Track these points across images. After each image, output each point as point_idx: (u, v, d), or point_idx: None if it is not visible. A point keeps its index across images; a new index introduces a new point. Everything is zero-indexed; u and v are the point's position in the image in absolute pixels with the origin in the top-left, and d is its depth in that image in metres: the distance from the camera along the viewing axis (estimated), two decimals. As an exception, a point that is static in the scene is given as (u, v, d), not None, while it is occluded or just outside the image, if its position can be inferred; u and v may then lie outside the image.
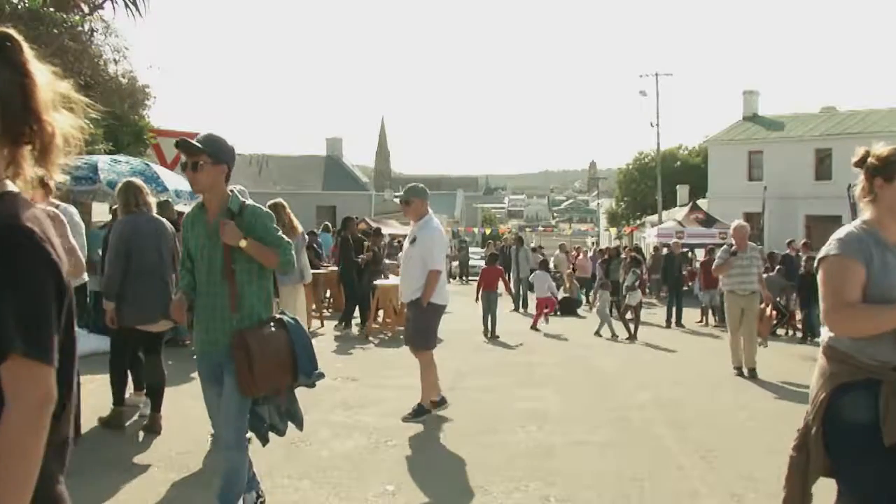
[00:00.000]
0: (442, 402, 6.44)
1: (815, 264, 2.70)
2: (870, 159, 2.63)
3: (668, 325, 15.31)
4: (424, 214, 6.36)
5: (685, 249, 22.66)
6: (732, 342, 9.17)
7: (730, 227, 10.37)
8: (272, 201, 9.12)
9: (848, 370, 2.51)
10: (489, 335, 12.39)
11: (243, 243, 3.47)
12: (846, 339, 2.54)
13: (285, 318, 3.67)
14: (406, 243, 6.54)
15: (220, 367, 3.52)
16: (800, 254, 15.45)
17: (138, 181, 5.68)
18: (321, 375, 3.75)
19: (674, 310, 15.57)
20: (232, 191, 3.74)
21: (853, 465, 2.46)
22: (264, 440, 3.88)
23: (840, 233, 2.63)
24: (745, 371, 8.85)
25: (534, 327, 13.71)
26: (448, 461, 5.16)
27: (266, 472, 4.77)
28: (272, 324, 3.58)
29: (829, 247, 2.60)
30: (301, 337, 3.63)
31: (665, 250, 19.03)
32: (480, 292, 13.03)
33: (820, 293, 2.60)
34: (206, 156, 3.52)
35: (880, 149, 2.62)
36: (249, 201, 3.77)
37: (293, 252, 3.74)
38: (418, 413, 6.24)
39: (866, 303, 2.50)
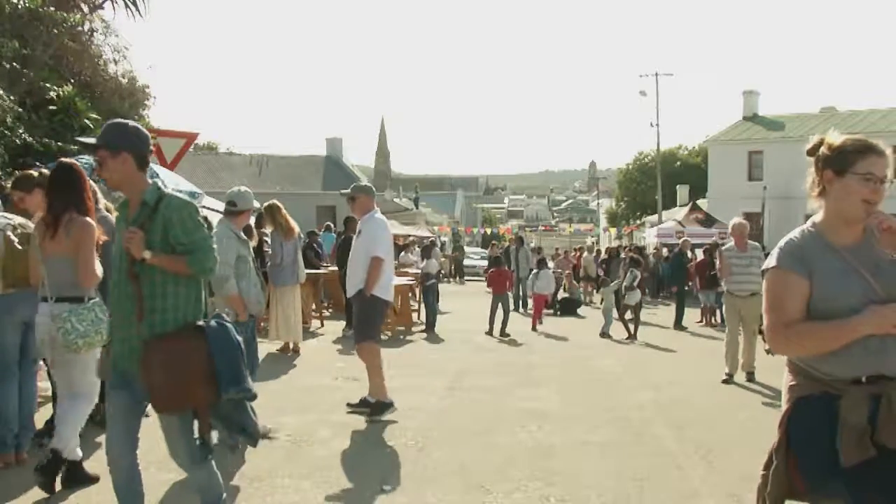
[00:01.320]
0: (386, 408, 6.28)
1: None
2: (822, 148, 2.38)
3: (677, 327, 14.74)
4: (370, 210, 6.45)
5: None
6: (728, 347, 8.63)
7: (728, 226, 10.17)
8: (267, 203, 9.13)
9: (805, 383, 2.37)
10: (499, 334, 12.53)
11: (147, 254, 3.08)
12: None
13: (211, 323, 3.24)
14: (354, 238, 6.61)
15: (132, 377, 3.14)
16: None
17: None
18: (248, 392, 3.24)
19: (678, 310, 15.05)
20: (155, 181, 3.34)
21: (818, 479, 2.28)
22: (231, 448, 3.55)
23: (783, 240, 2.44)
24: (742, 374, 8.45)
25: (534, 328, 13.71)
26: (448, 461, 5.16)
27: (266, 473, 4.77)
28: (190, 331, 3.14)
29: (770, 258, 2.42)
30: (224, 346, 3.18)
31: (671, 249, 19.00)
32: (492, 295, 13.24)
33: (763, 308, 2.42)
34: (102, 149, 3.19)
35: (834, 136, 2.38)
36: (173, 191, 3.36)
37: (213, 255, 3.28)
38: (378, 408, 6.21)
39: (811, 318, 2.30)
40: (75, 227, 4.14)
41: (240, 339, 3.32)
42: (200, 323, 3.21)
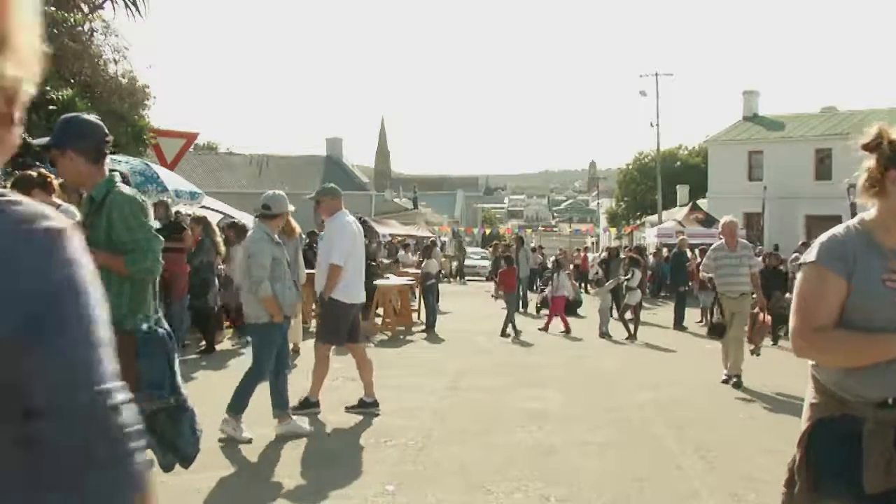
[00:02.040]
0: (312, 405, 6.28)
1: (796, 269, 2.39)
2: (885, 144, 2.11)
3: (678, 327, 14.67)
4: (336, 211, 6.51)
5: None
6: (723, 348, 8.47)
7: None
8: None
9: (827, 402, 2.18)
10: (513, 334, 12.57)
11: None
12: (825, 368, 2.20)
13: (143, 327, 3.11)
14: (320, 242, 6.69)
15: None
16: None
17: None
18: (168, 401, 3.07)
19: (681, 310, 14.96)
20: (112, 174, 3.29)
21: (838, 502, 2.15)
22: (165, 468, 3.30)
23: (826, 235, 2.22)
24: (730, 379, 8.17)
25: (565, 329, 13.44)
26: (448, 461, 5.16)
27: (266, 472, 4.78)
28: (119, 332, 3.00)
29: (808, 252, 2.22)
30: (153, 350, 3.06)
31: (667, 249, 18.98)
32: (501, 293, 13.27)
33: (791, 306, 2.23)
34: (52, 149, 3.18)
35: None
36: (124, 187, 3.28)
37: (152, 256, 3.19)
38: (304, 405, 6.24)
39: (844, 325, 2.11)
40: None
41: (176, 352, 3.22)
42: (134, 327, 3.10)
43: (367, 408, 6.35)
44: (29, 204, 0.87)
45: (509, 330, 12.74)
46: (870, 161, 2.13)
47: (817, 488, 2.18)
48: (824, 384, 2.19)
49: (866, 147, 2.14)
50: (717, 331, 8.51)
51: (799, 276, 2.24)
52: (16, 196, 0.89)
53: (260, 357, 5.54)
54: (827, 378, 2.18)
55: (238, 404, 5.42)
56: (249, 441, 5.35)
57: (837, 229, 2.22)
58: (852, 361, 2.11)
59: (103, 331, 0.86)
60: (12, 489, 0.80)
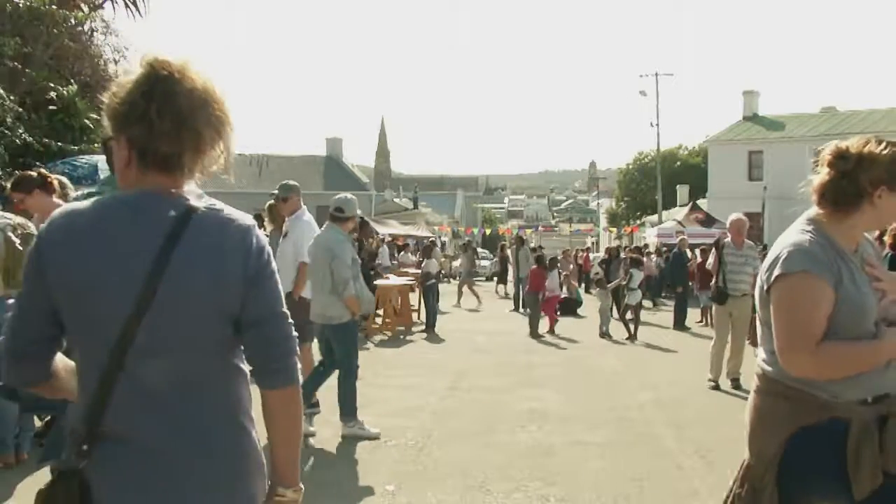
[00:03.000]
0: (313, 405, 6.25)
1: (767, 283, 2.11)
2: (864, 162, 2.08)
3: (679, 327, 14.57)
4: (297, 209, 6.58)
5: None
6: (715, 350, 8.21)
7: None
8: (268, 203, 9.23)
9: (806, 409, 2.06)
10: (536, 335, 12.64)
11: None
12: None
13: None
14: (281, 240, 6.68)
15: None
16: None
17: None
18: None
19: (678, 310, 14.85)
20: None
21: None
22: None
23: (792, 243, 2.09)
24: (728, 381, 8.01)
25: (550, 329, 13.51)
26: (448, 461, 5.16)
27: (266, 473, 4.77)
28: None
29: (787, 260, 2.05)
30: None
31: (670, 249, 18.91)
32: (529, 294, 13.41)
33: (774, 323, 2.07)
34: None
35: (873, 147, 2.09)
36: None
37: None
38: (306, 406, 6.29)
39: (834, 335, 2.02)
40: None
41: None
42: None
43: (312, 408, 6.32)
44: (230, 210, 1.61)
45: (533, 330, 12.84)
46: (829, 173, 2.11)
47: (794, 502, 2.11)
48: (801, 389, 2.08)
49: (834, 165, 2.11)
50: (720, 298, 8.38)
51: (780, 287, 2.06)
52: (220, 204, 1.61)
53: (348, 354, 5.75)
54: (805, 383, 2.07)
55: (350, 407, 5.64)
56: (377, 436, 5.57)
57: (801, 236, 2.11)
58: (851, 371, 2.04)
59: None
60: (215, 363, 1.54)
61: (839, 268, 2.04)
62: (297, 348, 1.63)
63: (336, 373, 5.88)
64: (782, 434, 2.08)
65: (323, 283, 5.69)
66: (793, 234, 2.13)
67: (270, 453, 1.60)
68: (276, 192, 6.84)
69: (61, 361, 1.63)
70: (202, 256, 1.50)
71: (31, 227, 4.69)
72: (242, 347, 1.58)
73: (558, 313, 16.99)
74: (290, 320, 1.61)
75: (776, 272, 2.06)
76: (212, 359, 1.54)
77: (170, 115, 1.48)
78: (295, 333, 1.62)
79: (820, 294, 2.01)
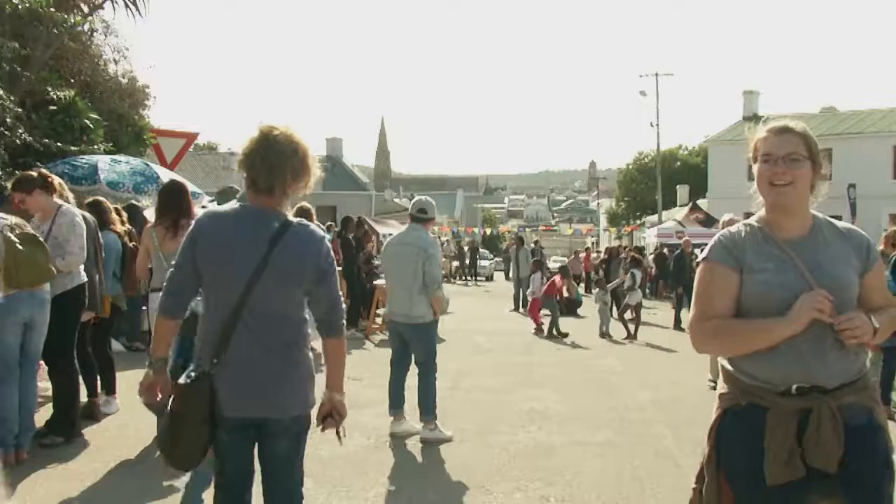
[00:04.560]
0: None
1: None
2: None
3: (680, 326, 14.34)
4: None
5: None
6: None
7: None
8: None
9: (734, 392, 2.22)
10: (557, 334, 12.78)
11: None
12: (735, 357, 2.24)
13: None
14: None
15: None
16: None
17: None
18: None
19: (681, 311, 14.57)
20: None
21: (745, 498, 2.18)
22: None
23: (719, 233, 2.36)
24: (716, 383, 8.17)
25: (536, 328, 13.67)
26: (448, 461, 5.16)
27: (266, 472, 4.78)
28: None
29: (703, 250, 2.34)
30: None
31: (672, 250, 18.91)
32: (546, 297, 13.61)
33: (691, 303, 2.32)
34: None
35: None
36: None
37: None
38: None
39: (741, 315, 2.18)
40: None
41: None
42: None
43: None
44: (312, 226, 2.65)
45: (554, 331, 12.92)
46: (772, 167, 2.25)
47: (730, 482, 2.20)
48: (731, 373, 2.23)
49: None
50: None
51: (696, 273, 2.33)
52: (305, 221, 2.65)
53: (431, 353, 5.81)
54: (733, 365, 2.22)
55: (430, 407, 5.68)
56: (450, 439, 5.59)
57: (729, 229, 2.35)
58: (745, 347, 2.16)
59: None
60: (294, 313, 2.61)
61: (749, 253, 2.20)
62: (344, 317, 2.73)
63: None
64: (719, 409, 2.27)
65: (412, 283, 5.64)
66: (726, 229, 2.37)
67: (326, 372, 2.70)
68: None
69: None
70: (294, 250, 2.54)
71: (29, 227, 4.69)
72: (312, 309, 2.68)
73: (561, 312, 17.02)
74: (343, 299, 2.75)
75: (697, 261, 2.41)
76: (293, 309, 2.58)
77: (266, 163, 2.52)
78: (344, 307, 2.73)
79: (714, 277, 2.22)
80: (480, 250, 36.58)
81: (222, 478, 2.63)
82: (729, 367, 2.24)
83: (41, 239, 4.66)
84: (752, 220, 2.32)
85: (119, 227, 6.56)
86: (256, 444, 2.63)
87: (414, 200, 6.16)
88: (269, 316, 2.51)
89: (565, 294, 18.73)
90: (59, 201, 5.18)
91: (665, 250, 24.63)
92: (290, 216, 2.61)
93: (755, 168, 2.31)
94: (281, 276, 2.51)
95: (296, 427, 2.64)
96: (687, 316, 2.40)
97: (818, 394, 2.09)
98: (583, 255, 27.62)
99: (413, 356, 5.94)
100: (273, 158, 2.50)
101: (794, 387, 2.10)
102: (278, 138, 2.51)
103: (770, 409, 2.11)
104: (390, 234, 7.41)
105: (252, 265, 2.46)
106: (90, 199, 6.56)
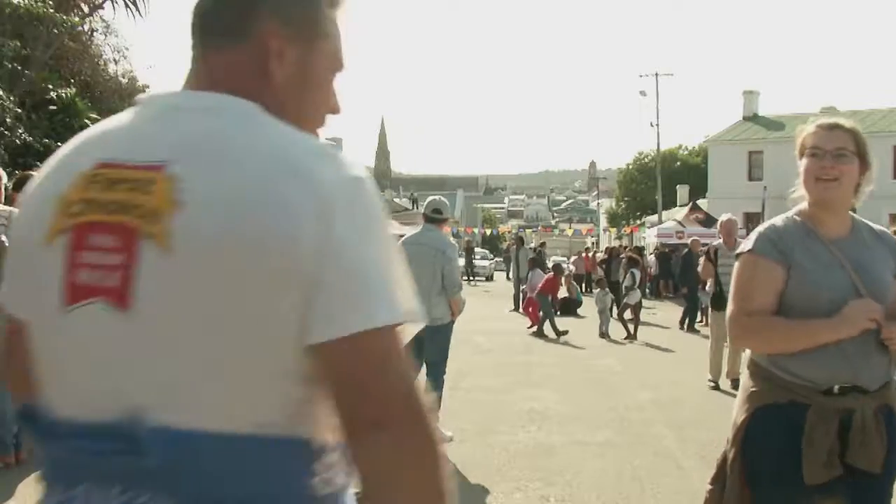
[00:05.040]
0: None
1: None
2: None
3: (683, 327, 14.32)
4: None
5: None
6: (713, 350, 8.20)
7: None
8: None
9: (770, 389, 2.15)
10: (554, 335, 12.75)
11: None
12: (772, 353, 2.18)
13: None
14: None
15: None
16: None
17: None
18: None
19: (689, 311, 14.52)
20: None
21: (765, 499, 2.14)
22: None
23: (763, 224, 2.30)
24: (728, 381, 7.86)
25: (530, 327, 13.67)
26: (448, 461, 5.15)
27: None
28: None
29: (746, 242, 2.27)
30: None
31: (670, 249, 18.95)
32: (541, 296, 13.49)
33: (730, 294, 2.26)
34: None
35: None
36: None
37: None
38: None
39: (784, 312, 2.12)
40: None
41: None
42: None
43: None
44: None
45: (546, 330, 12.89)
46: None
47: (751, 483, 2.16)
48: (768, 369, 2.17)
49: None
50: (719, 304, 8.37)
51: (736, 265, 2.27)
52: None
53: (444, 355, 5.83)
54: (772, 362, 2.16)
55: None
56: (451, 439, 5.51)
57: (776, 219, 2.28)
58: (789, 346, 2.11)
59: None
60: None
61: (797, 249, 2.14)
62: None
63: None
64: (749, 409, 2.19)
65: (430, 285, 5.54)
66: (770, 220, 2.31)
67: None
68: None
69: None
70: None
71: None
72: None
73: (558, 313, 17.02)
74: None
75: (737, 251, 2.30)
76: None
77: None
78: None
79: (759, 271, 2.16)
80: (476, 250, 36.56)
81: None
82: (765, 364, 2.18)
83: None
84: (793, 214, 2.27)
85: None
86: None
87: (428, 200, 6.15)
88: None
89: (565, 294, 18.79)
90: None
91: (665, 250, 24.65)
92: None
93: (801, 163, 2.26)
94: None
95: None
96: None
97: (857, 394, 2.08)
98: (583, 255, 27.66)
99: (424, 357, 5.88)
100: None
101: (837, 386, 2.09)
102: None
103: (811, 407, 2.08)
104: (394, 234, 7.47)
105: None
106: None
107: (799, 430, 2.06)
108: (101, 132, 1.03)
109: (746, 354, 2.37)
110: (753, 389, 2.20)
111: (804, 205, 2.25)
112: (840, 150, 2.17)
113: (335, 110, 1.11)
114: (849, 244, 2.19)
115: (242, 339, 0.89)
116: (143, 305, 0.89)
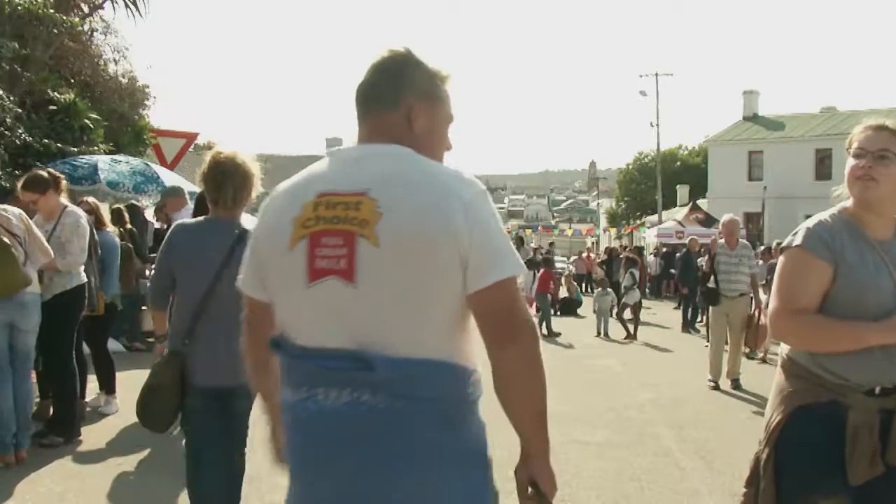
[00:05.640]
0: None
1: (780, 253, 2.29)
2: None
3: (685, 329, 14.19)
4: (182, 207, 7.47)
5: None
6: (713, 350, 8.21)
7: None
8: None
9: (809, 389, 2.14)
10: (547, 333, 12.78)
11: None
12: (805, 351, 2.17)
13: None
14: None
15: None
16: None
17: None
18: None
19: (689, 311, 14.40)
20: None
21: (796, 500, 2.14)
22: None
23: (812, 219, 2.25)
24: (728, 382, 7.99)
25: (539, 329, 13.70)
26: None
27: (266, 471, 4.77)
28: None
29: (793, 237, 2.23)
30: None
31: (674, 250, 18.92)
32: (539, 295, 13.51)
33: (773, 288, 2.24)
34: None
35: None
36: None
37: None
38: None
39: (827, 311, 2.11)
40: None
41: None
42: None
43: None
44: None
45: (544, 329, 12.86)
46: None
47: (785, 483, 2.15)
48: (807, 368, 2.16)
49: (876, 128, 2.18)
50: (710, 297, 8.41)
51: (781, 258, 2.24)
52: None
53: None
54: (813, 362, 2.15)
55: None
56: None
57: (825, 215, 2.24)
58: (834, 346, 2.11)
59: None
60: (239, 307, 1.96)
61: (847, 249, 2.12)
62: None
63: None
64: (786, 409, 2.17)
65: None
66: (819, 215, 2.26)
67: None
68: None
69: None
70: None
71: (3, 236, 4.46)
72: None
73: (558, 313, 17.05)
74: None
75: (783, 244, 2.26)
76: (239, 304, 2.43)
77: (216, 182, 3.00)
78: None
79: (808, 269, 2.13)
80: None
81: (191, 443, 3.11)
82: (805, 362, 2.17)
83: (11, 247, 4.43)
84: (836, 211, 2.25)
85: (111, 227, 6.52)
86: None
87: None
88: (229, 313, 2.62)
89: (565, 294, 18.79)
90: (65, 201, 5.17)
91: (665, 250, 24.65)
92: (249, 225, 2.92)
93: (847, 162, 2.23)
94: (236, 276, 2.72)
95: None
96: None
97: None
98: (584, 255, 27.69)
99: None
100: (220, 178, 3.00)
101: (879, 387, 2.09)
102: (224, 161, 3.00)
103: (853, 407, 2.08)
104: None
105: (213, 270, 2.91)
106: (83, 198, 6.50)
107: (839, 430, 2.06)
108: (310, 176, 1.60)
109: (768, 351, 2.36)
110: (791, 389, 2.19)
111: (849, 203, 2.23)
112: (882, 152, 2.14)
113: (450, 147, 1.71)
114: (893, 247, 2.18)
115: (428, 298, 1.46)
116: (362, 279, 1.45)
